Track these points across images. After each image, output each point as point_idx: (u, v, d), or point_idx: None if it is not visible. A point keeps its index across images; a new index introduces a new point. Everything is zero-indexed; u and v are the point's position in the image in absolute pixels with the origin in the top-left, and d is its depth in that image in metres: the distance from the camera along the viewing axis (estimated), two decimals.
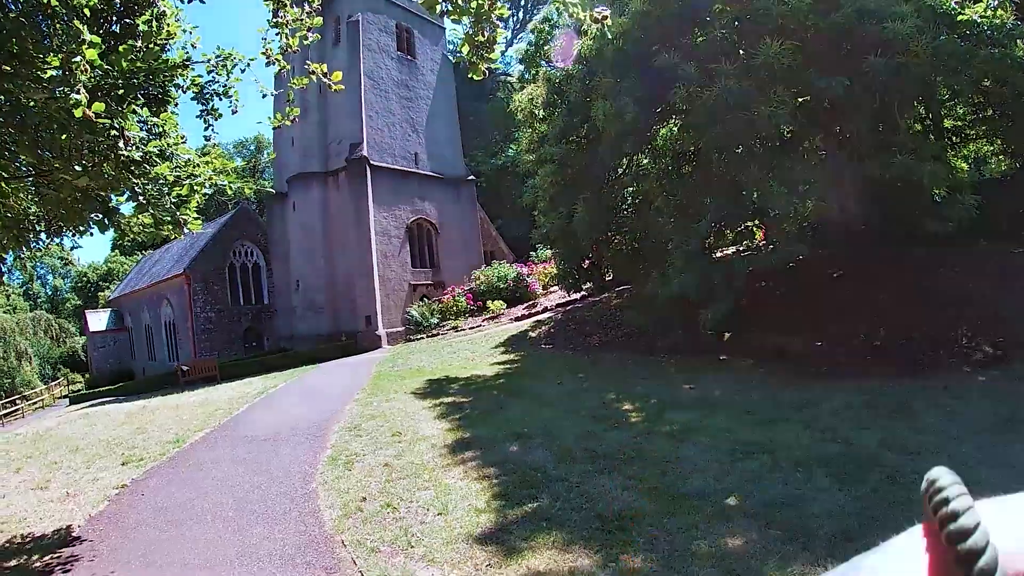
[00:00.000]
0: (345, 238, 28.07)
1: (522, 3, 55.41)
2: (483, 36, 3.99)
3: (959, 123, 12.88)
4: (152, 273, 39.67)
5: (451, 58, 34.24)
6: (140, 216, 5.48)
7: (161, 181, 4.92)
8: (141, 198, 4.92)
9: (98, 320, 42.98)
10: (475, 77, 4.01)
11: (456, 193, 32.54)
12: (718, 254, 12.01)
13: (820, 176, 10.33)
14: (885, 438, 6.24)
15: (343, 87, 5.14)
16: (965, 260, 11.26)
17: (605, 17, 3.64)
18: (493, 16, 3.93)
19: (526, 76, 17.30)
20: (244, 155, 65.61)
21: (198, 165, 5.11)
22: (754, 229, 12.24)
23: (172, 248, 41.33)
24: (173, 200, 5.11)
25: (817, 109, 10.92)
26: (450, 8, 4.00)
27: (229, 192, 5.63)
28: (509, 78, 48.78)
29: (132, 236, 5.93)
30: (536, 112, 15.76)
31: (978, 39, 9.69)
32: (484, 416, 9.59)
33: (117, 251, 66.27)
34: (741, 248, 12.29)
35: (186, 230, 5.51)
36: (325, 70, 5.21)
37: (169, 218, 5.28)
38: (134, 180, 4.57)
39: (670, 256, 10.82)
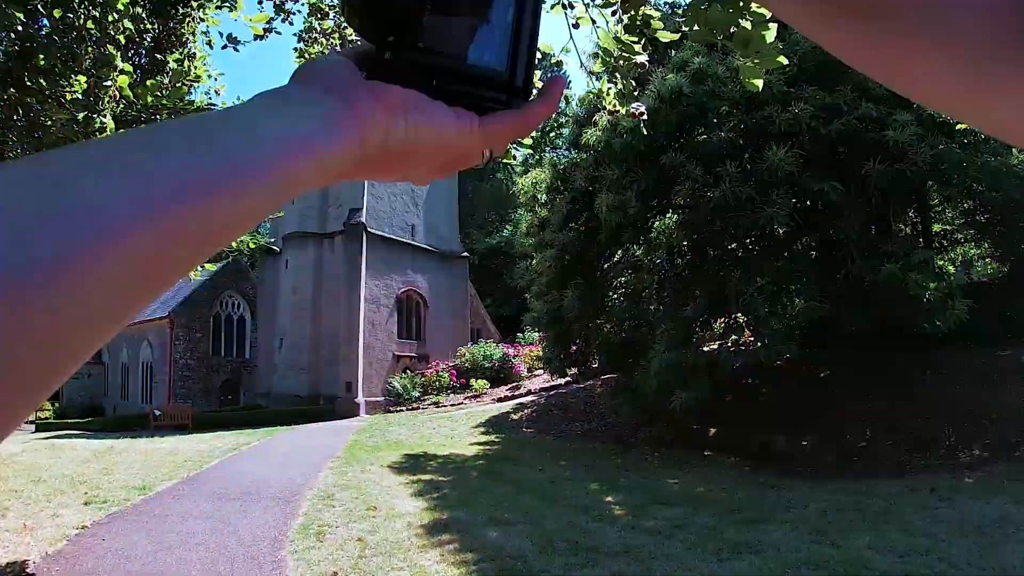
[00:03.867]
0: (334, 301, 27.89)
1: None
2: None
3: (948, 227, 13.18)
4: None
5: None
6: None
7: None
8: None
9: None
10: (504, 161, 4.06)
11: (448, 268, 32.67)
12: (705, 348, 12.00)
13: (811, 276, 10.48)
14: (874, 540, 6.13)
15: None
16: (953, 362, 11.35)
17: (643, 114, 3.65)
18: None
19: (530, 160, 17.64)
20: None
21: None
22: (743, 326, 12.30)
23: None
24: None
25: (812, 211, 11.17)
26: None
27: (233, 244, 5.61)
28: (511, 161, 49.78)
29: None
30: (539, 196, 16.00)
31: (975, 148, 10.00)
32: (463, 498, 9.27)
33: None
34: (728, 344, 12.34)
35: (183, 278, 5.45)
36: None
37: None
38: None
39: (657, 342, 10.80)
